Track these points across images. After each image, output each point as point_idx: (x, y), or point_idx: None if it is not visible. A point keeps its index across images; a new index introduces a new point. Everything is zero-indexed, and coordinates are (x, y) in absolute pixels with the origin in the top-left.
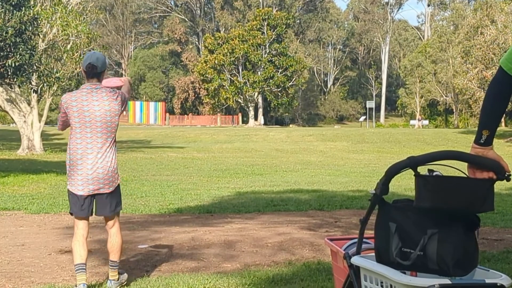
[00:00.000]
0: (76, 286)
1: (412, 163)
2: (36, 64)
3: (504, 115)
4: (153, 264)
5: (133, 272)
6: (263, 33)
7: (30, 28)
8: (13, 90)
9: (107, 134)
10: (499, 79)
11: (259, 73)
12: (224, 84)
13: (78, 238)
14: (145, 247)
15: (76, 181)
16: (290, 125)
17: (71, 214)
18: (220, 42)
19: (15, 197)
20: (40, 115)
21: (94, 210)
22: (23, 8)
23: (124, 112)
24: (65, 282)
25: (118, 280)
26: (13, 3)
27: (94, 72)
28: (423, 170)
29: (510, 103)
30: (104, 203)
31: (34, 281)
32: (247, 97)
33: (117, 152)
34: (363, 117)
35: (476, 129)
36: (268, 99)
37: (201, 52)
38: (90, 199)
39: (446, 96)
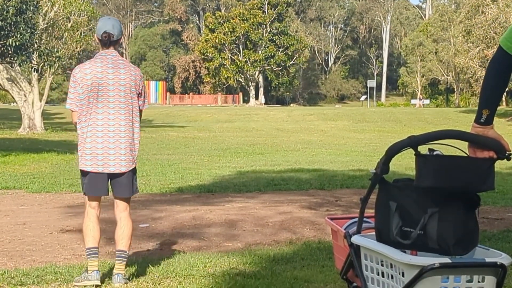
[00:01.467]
0: (87, 272)
1: (413, 142)
2: (37, 43)
3: (505, 94)
4: (154, 243)
5: (135, 251)
6: (264, 12)
7: (31, 8)
8: (13, 69)
9: (122, 106)
10: (499, 58)
11: (260, 52)
12: (225, 63)
13: (92, 218)
14: (146, 226)
15: (95, 157)
16: (291, 105)
17: (85, 194)
18: (221, 21)
19: (16, 176)
20: (41, 94)
21: (111, 190)
22: None
23: (145, 105)
24: (66, 261)
25: (126, 275)
26: None
27: (110, 41)
28: (423, 149)
29: (511, 82)
30: (124, 183)
31: (36, 260)
32: (248, 76)
33: (140, 129)
34: (364, 96)
35: (477, 108)
36: (269, 78)
37: (201, 31)
38: (107, 178)
39: (447, 75)
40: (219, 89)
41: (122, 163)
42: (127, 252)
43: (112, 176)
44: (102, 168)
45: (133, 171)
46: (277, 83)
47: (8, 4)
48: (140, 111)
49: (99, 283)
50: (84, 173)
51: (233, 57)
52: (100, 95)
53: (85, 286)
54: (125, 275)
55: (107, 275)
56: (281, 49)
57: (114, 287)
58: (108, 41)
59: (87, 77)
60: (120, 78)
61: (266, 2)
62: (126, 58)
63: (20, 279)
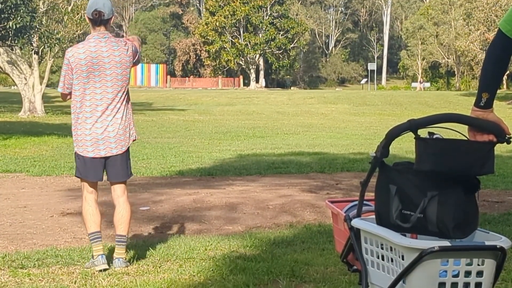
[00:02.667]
0: (93, 257)
1: (413, 126)
2: (37, 26)
3: (506, 77)
4: (155, 227)
5: (135, 234)
6: None
7: None
8: (14, 52)
9: (118, 88)
10: (498, 41)
11: (260, 35)
12: (225, 46)
13: (90, 203)
14: (146, 209)
15: (85, 142)
16: (292, 88)
17: (78, 177)
18: (221, 4)
19: (17, 160)
20: (41, 77)
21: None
22: None
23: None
24: (67, 244)
25: (126, 258)
26: None
27: (101, 20)
28: (423, 132)
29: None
30: (118, 167)
31: (36, 243)
32: (249, 59)
33: (131, 109)
34: (364, 80)
35: (477, 91)
36: (270, 62)
37: (202, 14)
38: (101, 162)
39: (448, 58)
40: (219, 72)
41: (113, 146)
42: (127, 236)
43: (109, 161)
44: (105, 152)
45: (126, 152)
46: (277, 66)
47: None
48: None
49: (107, 267)
50: (77, 156)
51: (233, 40)
52: (97, 79)
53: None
54: (125, 259)
55: (108, 259)
56: (281, 32)
57: (115, 271)
58: (99, 19)
59: (81, 62)
60: (116, 61)
61: None
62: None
63: (21, 262)
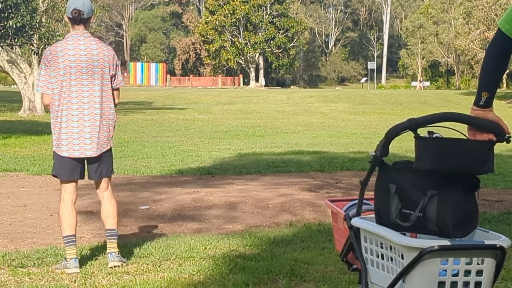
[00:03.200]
0: (66, 260)
1: (412, 125)
2: (37, 26)
3: (505, 76)
4: (154, 226)
5: (134, 233)
6: None
7: None
8: (14, 51)
9: (96, 88)
10: (498, 40)
11: (260, 34)
12: (225, 45)
13: (67, 204)
14: (146, 208)
15: (71, 142)
16: (291, 87)
17: (55, 176)
18: (221, 3)
19: (17, 158)
20: None
21: (86, 173)
22: None
23: (121, 83)
24: None
25: (118, 252)
26: None
27: (80, 19)
28: (423, 132)
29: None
30: (101, 165)
31: (36, 242)
32: (248, 58)
33: (114, 109)
34: (364, 79)
35: (476, 90)
36: (269, 60)
37: (202, 13)
38: (82, 160)
39: (447, 57)
40: (219, 71)
41: (98, 146)
42: (116, 230)
43: (88, 159)
44: (79, 153)
45: (109, 151)
46: (277, 65)
47: None
48: (117, 89)
49: (78, 271)
50: (58, 157)
51: (233, 39)
52: (73, 78)
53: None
54: (118, 253)
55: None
56: (281, 31)
57: (115, 270)
58: (78, 18)
59: (59, 60)
60: (94, 60)
61: None
62: (126, 41)
63: (21, 261)
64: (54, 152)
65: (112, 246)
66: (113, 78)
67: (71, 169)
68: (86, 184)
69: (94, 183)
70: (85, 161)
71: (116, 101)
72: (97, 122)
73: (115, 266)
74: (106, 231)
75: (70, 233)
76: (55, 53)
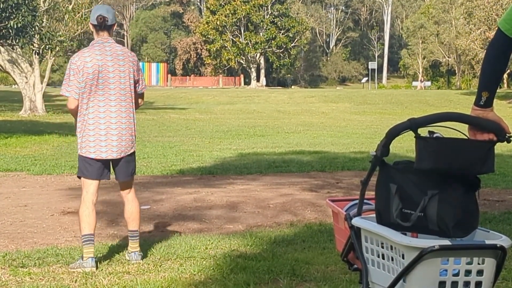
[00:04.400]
0: (82, 259)
1: (413, 125)
2: (38, 26)
3: (506, 76)
4: (156, 225)
5: None
6: None
7: None
8: (14, 51)
9: (126, 94)
10: (497, 40)
11: (261, 34)
12: (226, 45)
13: (88, 205)
14: (147, 208)
15: (98, 144)
16: (292, 87)
17: (79, 177)
18: (222, 3)
19: (18, 158)
20: (42, 76)
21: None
22: None
23: (144, 84)
24: (67, 243)
25: (140, 251)
26: None
27: (105, 25)
28: (423, 131)
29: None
30: (125, 167)
31: (37, 242)
32: (249, 58)
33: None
34: (365, 79)
35: (477, 90)
36: (270, 60)
37: (203, 13)
38: (108, 162)
39: (448, 57)
40: (220, 71)
41: (123, 148)
42: (138, 230)
43: (113, 161)
44: (106, 155)
45: (134, 153)
46: (278, 65)
47: None
48: (142, 94)
49: (95, 269)
50: (85, 159)
51: (234, 39)
52: (101, 83)
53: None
54: (140, 252)
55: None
56: (282, 31)
57: (115, 270)
58: (103, 24)
59: (87, 65)
60: (120, 65)
61: None
62: (127, 40)
63: (22, 261)
64: (80, 155)
65: (134, 246)
66: (137, 83)
67: (97, 170)
68: None
69: (114, 184)
70: (110, 163)
71: (141, 103)
72: (123, 125)
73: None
74: (129, 231)
75: (89, 232)
76: (84, 59)
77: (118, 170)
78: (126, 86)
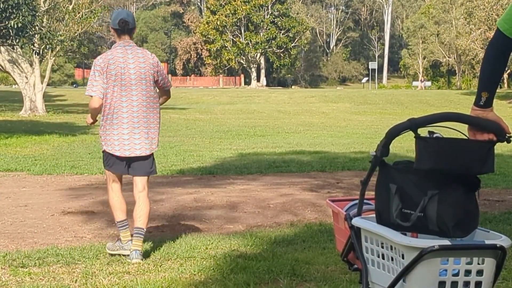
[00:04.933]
0: (121, 242)
1: (412, 125)
2: (38, 26)
3: (507, 76)
4: (156, 226)
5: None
6: None
7: None
8: (14, 51)
9: (143, 97)
10: (497, 40)
11: (261, 34)
12: (226, 45)
13: (117, 193)
14: None
15: (122, 143)
16: (293, 87)
17: (106, 169)
18: (223, 3)
19: (18, 158)
20: (42, 76)
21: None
22: None
23: (168, 81)
24: (68, 243)
25: (142, 251)
26: None
27: (127, 28)
28: (423, 132)
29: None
30: (145, 164)
31: (37, 242)
32: (250, 58)
33: (160, 113)
34: (365, 79)
35: (476, 91)
36: (271, 60)
37: (203, 13)
38: (131, 159)
39: (449, 57)
40: (220, 71)
41: (146, 146)
42: (144, 229)
43: (134, 158)
44: (129, 152)
45: (153, 154)
46: (278, 65)
47: None
48: (168, 91)
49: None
50: (110, 156)
51: (234, 39)
52: (124, 84)
53: (119, 254)
54: (141, 252)
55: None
56: (282, 31)
57: (115, 270)
58: (125, 28)
59: (111, 67)
60: (141, 67)
61: None
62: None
63: (22, 261)
64: (104, 151)
65: (137, 244)
66: (161, 81)
67: (121, 165)
68: (87, 184)
69: (132, 181)
70: (131, 160)
71: (166, 100)
72: (145, 124)
73: (138, 263)
74: (134, 228)
75: (123, 218)
76: (107, 61)
77: (138, 166)
78: (148, 87)
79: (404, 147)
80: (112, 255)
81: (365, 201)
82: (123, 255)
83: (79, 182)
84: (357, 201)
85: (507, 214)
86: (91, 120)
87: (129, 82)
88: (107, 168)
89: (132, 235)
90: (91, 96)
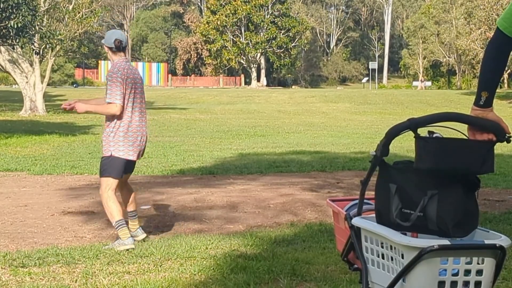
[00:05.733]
0: (121, 239)
1: (412, 125)
2: (38, 26)
3: (507, 76)
4: (156, 226)
5: None
6: None
7: None
8: (15, 50)
9: (143, 105)
10: (496, 39)
11: (261, 34)
12: (226, 45)
13: (113, 198)
14: (147, 208)
15: (134, 148)
16: (293, 87)
17: (113, 177)
18: (223, 3)
19: (18, 158)
20: (43, 76)
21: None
22: None
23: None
24: (68, 243)
25: (140, 226)
26: None
27: (122, 47)
28: (423, 132)
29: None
30: (134, 162)
31: (37, 241)
32: (250, 58)
33: None
34: (365, 78)
35: (476, 90)
36: (271, 60)
37: (203, 13)
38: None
39: (449, 57)
40: (220, 71)
41: (144, 149)
42: (136, 210)
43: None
44: (136, 156)
45: None
46: (278, 65)
47: None
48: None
49: (133, 246)
50: (120, 160)
51: (234, 39)
52: (136, 95)
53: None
54: (141, 225)
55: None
56: (282, 31)
57: (115, 270)
58: (121, 47)
59: (128, 79)
60: (141, 81)
61: None
62: (128, 41)
63: (22, 261)
64: (114, 156)
65: (135, 223)
66: None
67: (125, 169)
68: (87, 184)
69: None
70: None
71: None
72: (145, 131)
73: (143, 239)
74: (129, 213)
75: (121, 217)
76: (125, 74)
77: (131, 166)
78: (144, 97)
79: (404, 147)
80: (118, 252)
81: (365, 201)
82: (128, 250)
83: (79, 182)
84: (357, 201)
85: (507, 214)
86: (77, 109)
87: (139, 93)
88: (111, 175)
89: (129, 219)
90: (115, 104)
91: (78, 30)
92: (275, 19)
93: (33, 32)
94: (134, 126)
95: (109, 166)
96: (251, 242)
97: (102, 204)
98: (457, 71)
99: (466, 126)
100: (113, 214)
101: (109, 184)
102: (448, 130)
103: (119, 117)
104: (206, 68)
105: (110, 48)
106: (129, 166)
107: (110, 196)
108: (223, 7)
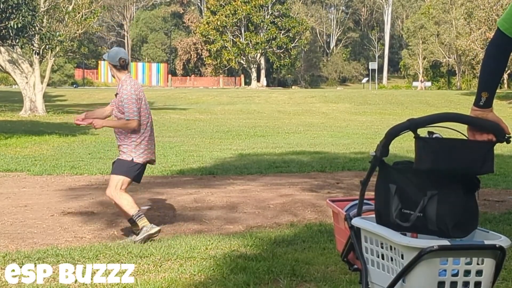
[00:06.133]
0: (145, 227)
1: (412, 125)
2: (38, 26)
3: (507, 76)
4: (155, 226)
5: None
6: None
7: None
8: (14, 51)
9: (150, 116)
10: (497, 40)
11: (261, 34)
12: (226, 46)
13: (126, 195)
14: (147, 208)
15: (150, 152)
16: (293, 87)
17: (128, 177)
18: (223, 3)
19: (18, 159)
20: (42, 77)
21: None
22: None
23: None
24: (67, 243)
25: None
26: None
27: (125, 65)
28: (423, 132)
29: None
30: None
31: (37, 242)
32: (250, 58)
33: None
34: (365, 79)
35: (476, 91)
36: (271, 61)
37: (203, 13)
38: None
39: (449, 57)
40: (220, 71)
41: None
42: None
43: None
44: (144, 160)
45: None
46: (278, 65)
47: None
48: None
49: (159, 227)
50: (137, 164)
51: (234, 39)
52: (146, 107)
53: (149, 238)
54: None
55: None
56: (282, 31)
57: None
58: (125, 65)
59: (140, 94)
60: (144, 95)
61: None
62: (127, 41)
63: (22, 261)
64: (136, 162)
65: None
66: None
67: (139, 174)
68: (87, 184)
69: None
70: None
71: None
72: (154, 140)
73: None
74: (139, 211)
75: (137, 208)
76: (138, 91)
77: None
78: (147, 106)
79: (404, 147)
80: (143, 242)
81: (365, 201)
82: (152, 234)
83: (79, 182)
84: (357, 202)
85: (507, 215)
86: (95, 125)
87: (147, 106)
88: (128, 175)
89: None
90: (134, 120)
91: (78, 30)
92: (275, 20)
93: (33, 33)
94: (148, 134)
95: (128, 168)
96: (251, 242)
97: (102, 204)
98: (457, 72)
99: (465, 126)
100: (128, 208)
101: (121, 182)
102: (448, 130)
103: (141, 127)
104: (206, 69)
105: (115, 66)
106: (142, 172)
107: (120, 193)
108: (223, 8)
